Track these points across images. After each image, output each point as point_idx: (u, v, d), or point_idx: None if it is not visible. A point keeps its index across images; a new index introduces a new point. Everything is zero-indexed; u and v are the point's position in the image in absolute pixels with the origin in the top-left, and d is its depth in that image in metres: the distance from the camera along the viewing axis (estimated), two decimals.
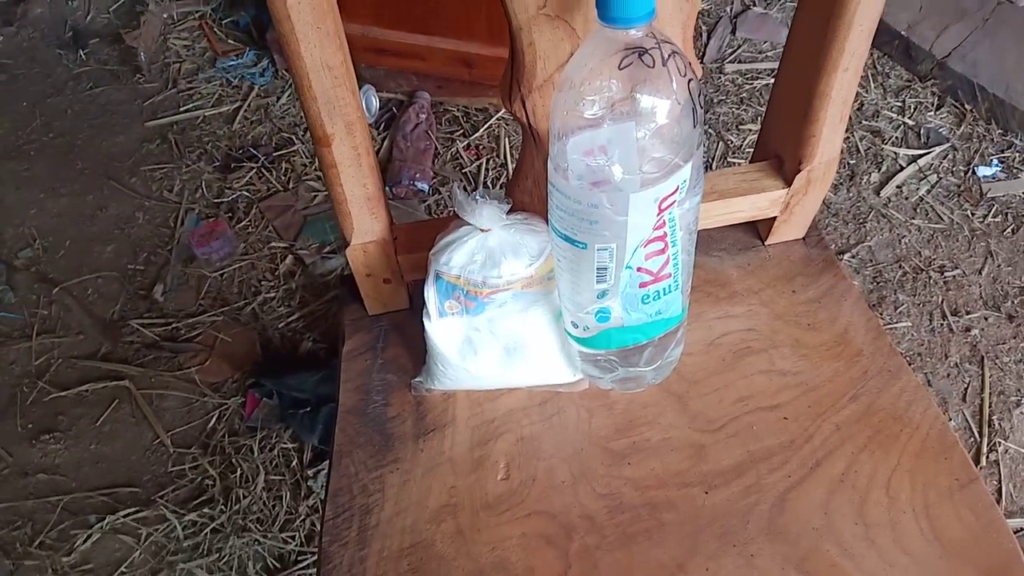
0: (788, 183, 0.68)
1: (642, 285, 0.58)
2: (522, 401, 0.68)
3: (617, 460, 0.65)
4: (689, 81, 0.49)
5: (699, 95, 0.49)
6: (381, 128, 1.74)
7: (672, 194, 0.52)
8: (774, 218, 0.73)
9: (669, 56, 0.49)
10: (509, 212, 0.61)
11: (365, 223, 0.63)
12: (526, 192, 0.64)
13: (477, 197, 0.58)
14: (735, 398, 0.67)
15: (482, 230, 0.60)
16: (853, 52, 0.57)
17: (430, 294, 0.63)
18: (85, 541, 1.22)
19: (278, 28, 0.49)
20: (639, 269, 0.57)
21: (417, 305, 0.66)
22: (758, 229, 0.77)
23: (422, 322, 0.64)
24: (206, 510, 1.23)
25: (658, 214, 0.53)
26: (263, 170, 1.68)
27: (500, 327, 0.64)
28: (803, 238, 0.76)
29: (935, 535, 0.60)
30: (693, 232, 0.59)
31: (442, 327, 0.64)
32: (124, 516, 1.24)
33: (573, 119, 0.51)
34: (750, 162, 0.73)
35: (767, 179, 0.69)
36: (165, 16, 1.98)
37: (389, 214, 0.66)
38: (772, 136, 0.70)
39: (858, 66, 0.59)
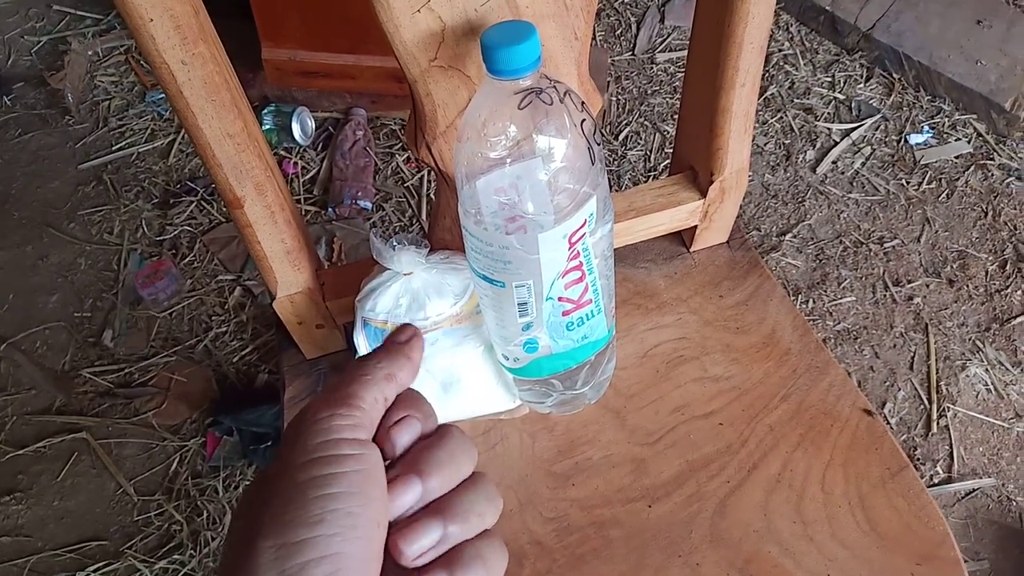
0: (703, 194, 0.70)
1: (565, 313, 0.59)
2: (465, 432, 0.69)
3: (561, 482, 0.66)
4: (583, 121, 0.49)
5: (594, 134, 0.50)
6: (319, 148, 1.73)
7: (580, 228, 0.53)
8: (696, 226, 0.75)
9: (565, 94, 0.50)
10: (430, 253, 0.62)
11: (288, 276, 0.63)
12: (446, 231, 0.64)
13: (395, 243, 0.59)
14: (671, 408, 0.69)
15: (404, 274, 0.61)
16: (747, 69, 0.59)
17: (360, 340, 0.63)
18: None
19: (172, 104, 0.49)
20: (560, 299, 0.58)
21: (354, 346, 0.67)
22: (682, 237, 0.78)
23: None
24: (176, 556, 1.23)
25: (570, 247, 0.54)
26: (203, 203, 1.66)
27: (434, 365, 0.65)
28: (727, 241, 0.78)
29: (870, 525, 0.62)
30: (609, 257, 0.60)
31: None
32: (94, 571, 1.23)
33: (478, 163, 0.51)
34: (668, 174, 0.74)
35: (683, 191, 0.70)
36: (90, 53, 1.95)
37: (315, 261, 0.66)
38: (684, 149, 0.71)
39: (754, 81, 0.60)
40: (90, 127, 1.83)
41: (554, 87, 0.50)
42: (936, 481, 1.25)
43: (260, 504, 0.30)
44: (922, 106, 1.76)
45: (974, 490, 1.24)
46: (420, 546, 0.33)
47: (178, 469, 1.32)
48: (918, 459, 1.28)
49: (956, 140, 1.69)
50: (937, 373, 1.36)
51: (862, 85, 1.81)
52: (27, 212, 1.70)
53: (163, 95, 1.83)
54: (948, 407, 1.32)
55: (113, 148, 1.78)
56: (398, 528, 0.33)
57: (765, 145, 1.70)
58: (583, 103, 0.50)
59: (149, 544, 1.25)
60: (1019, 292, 1.45)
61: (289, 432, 0.32)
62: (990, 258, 1.50)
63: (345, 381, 0.34)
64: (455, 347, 0.65)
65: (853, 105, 1.77)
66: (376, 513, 0.30)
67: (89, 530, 1.28)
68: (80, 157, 1.78)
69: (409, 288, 0.62)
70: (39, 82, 1.90)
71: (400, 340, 0.37)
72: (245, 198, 0.56)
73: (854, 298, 1.46)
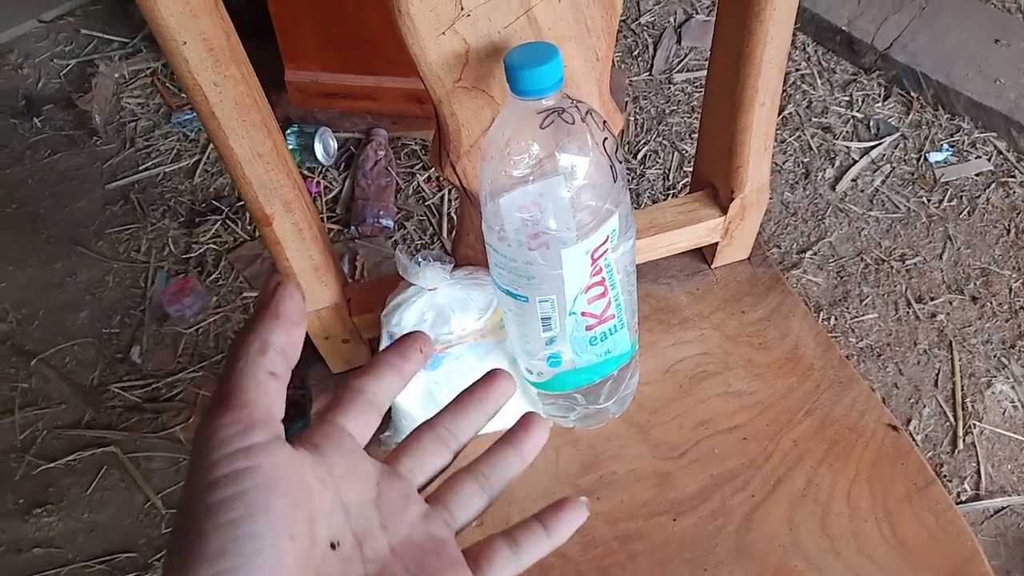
0: (724, 211, 0.70)
1: (588, 328, 0.60)
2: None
3: (586, 496, 0.66)
4: (604, 140, 0.50)
5: (615, 152, 0.51)
6: (341, 168, 1.76)
7: (603, 244, 0.54)
8: (717, 242, 0.75)
9: (586, 114, 0.51)
10: (454, 269, 0.63)
11: (315, 292, 0.65)
12: (469, 247, 0.65)
13: (420, 259, 0.60)
14: (695, 423, 0.69)
15: (429, 290, 0.62)
16: (767, 89, 0.59)
17: None
18: None
19: (204, 124, 0.50)
20: (583, 314, 0.59)
21: None
22: (704, 253, 0.79)
23: None
24: None
25: (592, 263, 0.55)
26: (228, 221, 1.69)
27: (458, 379, 0.66)
28: (748, 258, 0.78)
29: (897, 540, 0.62)
30: (631, 272, 0.61)
31: None
32: None
33: (501, 181, 0.52)
34: (689, 191, 0.75)
35: (703, 209, 0.71)
36: (117, 76, 1.99)
37: (341, 278, 0.68)
38: (704, 167, 0.72)
39: (774, 100, 0.61)
40: (117, 148, 1.86)
41: (576, 106, 0.51)
42: (964, 499, 1.24)
43: (171, 539, 0.28)
44: (941, 124, 1.75)
45: (1003, 508, 1.23)
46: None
47: None
48: (945, 476, 1.27)
49: (976, 158, 1.68)
50: (962, 390, 1.35)
51: (880, 104, 1.81)
52: (56, 231, 1.73)
53: (188, 116, 1.86)
54: (974, 424, 1.31)
55: (139, 168, 1.81)
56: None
57: (784, 163, 1.71)
58: (604, 122, 0.51)
59: None
60: None
61: (192, 451, 0.30)
62: (1013, 275, 1.49)
63: (224, 376, 0.31)
64: (479, 361, 0.66)
65: (871, 124, 1.77)
66: (286, 524, 0.28)
67: (118, 543, 1.29)
68: (107, 177, 1.81)
69: (434, 303, 0.63)
70: (67, 104, 1.94)
71: (266, 299, 0.32)
72: (274, 215, 0.57)
73: (876, 315, 1.45)
